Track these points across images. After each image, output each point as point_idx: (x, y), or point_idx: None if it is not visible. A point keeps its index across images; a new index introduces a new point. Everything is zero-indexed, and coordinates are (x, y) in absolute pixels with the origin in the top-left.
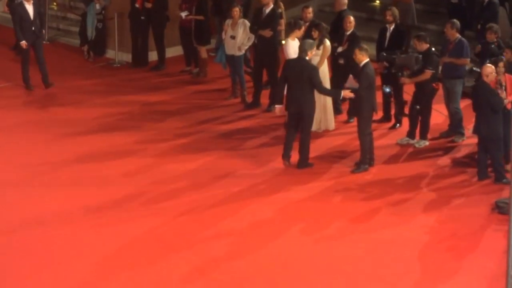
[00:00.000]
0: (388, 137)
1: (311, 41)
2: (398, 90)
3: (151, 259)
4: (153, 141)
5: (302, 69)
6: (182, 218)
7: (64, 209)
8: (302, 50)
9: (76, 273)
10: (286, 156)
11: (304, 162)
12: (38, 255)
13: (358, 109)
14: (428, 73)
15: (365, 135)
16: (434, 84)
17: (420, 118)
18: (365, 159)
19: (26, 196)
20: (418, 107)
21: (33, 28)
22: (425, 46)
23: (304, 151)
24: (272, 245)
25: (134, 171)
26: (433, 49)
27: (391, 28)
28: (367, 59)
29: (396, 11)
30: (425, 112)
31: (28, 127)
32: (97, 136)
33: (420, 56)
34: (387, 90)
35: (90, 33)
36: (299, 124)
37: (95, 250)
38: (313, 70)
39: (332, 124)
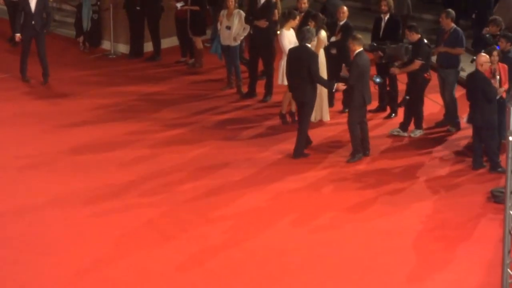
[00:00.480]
0: (384, 127)
1: (312, 28)
2: (392, 80)
3: (147, 248)
4: (149, 132)
5: (301, 56)
6: (178, 207)
7: (60, 199)
8: (306, 37)
9: (71, 262)
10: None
11: (299, 151)
12: (34, 244)
13: (349, 99)
14: (417, 64)
15: (354, 124)
16: (425, 75)
17: (411, 108)
18: (358, 148)
19: (21, 187)
20: (407, 97)
21: (32, 22)
22: (416, 36)
23: (301, 140)
24: (267, 235)
25: (130, 161)
26: (424, 40)
27: (386, 18)
28: (360, 49)
29: (391, 1)
30: (417, 102)
31: (25, 118)
32: (93, 127)
33: (410, 46)
34: (377, 80)
35: (86, 24)
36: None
37: (91, 240)
38: (312, 57)
39: (327, 115)
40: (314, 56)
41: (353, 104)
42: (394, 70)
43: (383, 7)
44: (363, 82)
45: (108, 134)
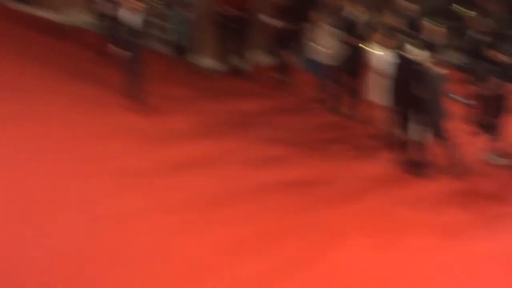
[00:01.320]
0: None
1: None
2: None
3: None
4: (242, 149)
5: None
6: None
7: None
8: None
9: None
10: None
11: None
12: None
13: None
14: None
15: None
16: None
17: None
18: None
19: (120, 197)
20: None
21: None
22: None
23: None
24: (348, 250)
25: (220, 176)
26: None
27: None
28: None
29: None
30: None
31: (119, 132)
32: (187, 144)
33: None
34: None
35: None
36: None
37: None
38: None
39: None
40: None
41: None
42: None
43: None
44: None
45: (201, 151)
